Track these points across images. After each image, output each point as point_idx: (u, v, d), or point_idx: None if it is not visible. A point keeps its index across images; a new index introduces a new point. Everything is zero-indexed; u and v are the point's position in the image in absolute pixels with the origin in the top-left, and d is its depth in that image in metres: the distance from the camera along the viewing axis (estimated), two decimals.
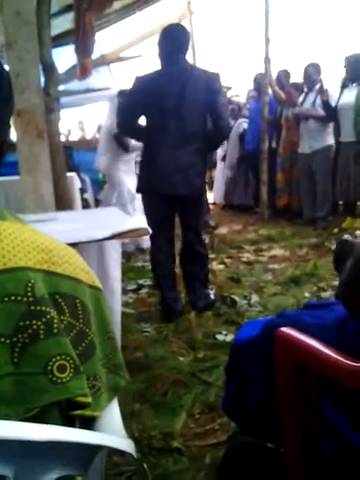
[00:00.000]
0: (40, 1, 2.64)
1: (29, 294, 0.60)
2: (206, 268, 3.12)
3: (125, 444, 0.60)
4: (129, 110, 2.88)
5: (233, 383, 1.35)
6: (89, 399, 0.66)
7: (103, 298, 0.77)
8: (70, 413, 0.66)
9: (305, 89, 5.33)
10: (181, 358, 2.36)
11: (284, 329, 0.99)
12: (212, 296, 3.10)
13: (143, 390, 2.08)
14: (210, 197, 6.80)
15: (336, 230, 4.90)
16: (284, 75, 5.95)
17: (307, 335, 0.96)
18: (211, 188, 7.59)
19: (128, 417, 1.86)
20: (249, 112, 6.60)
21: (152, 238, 2.92)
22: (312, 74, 5.11)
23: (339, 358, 0.84)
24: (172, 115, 2.73)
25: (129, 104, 2.91)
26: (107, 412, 0.76)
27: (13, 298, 0.59)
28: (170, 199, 2.88)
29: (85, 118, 9.63)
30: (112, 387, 0.77)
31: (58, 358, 0.61)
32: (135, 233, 1.57)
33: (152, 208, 2.91)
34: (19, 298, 0.60)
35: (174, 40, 2.75)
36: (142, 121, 2.94)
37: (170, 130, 2.75)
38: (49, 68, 2.49)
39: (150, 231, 1.62)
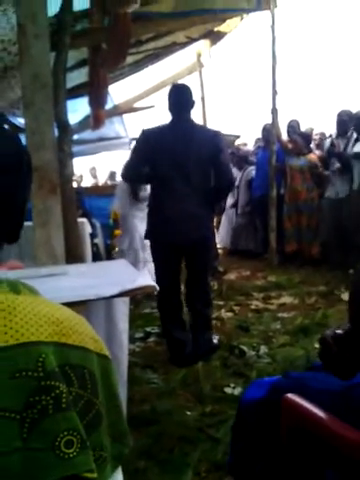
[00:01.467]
0: (56, 61, 2.80)
1: (40, 369, 0.62)
2: (210, 315, 3.18)
3: None
4: (133, 164, 3.03)
5: (239, 443, 1.34)
6: (95, 474, 0.66)
7: (111, 366, 0.78)
8: None
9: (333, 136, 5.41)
10: (188, 412, 2.33)
11: (290, 396, 1.00)
12: (215, 341, 3.14)
13: (149, 446, 2.04)
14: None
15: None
16: (296, 124, 6.14)
17: (313, 403, 0.96)
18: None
19: (133, 474, 1.83)
20: (256, 160, 6.74)
21: (160, 285, 2.94)
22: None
23: (345, 430, 0.84)
24: (179, 169, 2.87)
25: (134, 157, 3.04)
26: None
27: (24, 374, 0.61)
28: (178, 248, 2.96)
29: (97, 165, 9.86)
30: (116, 456, 0.77)
31: (66, 433, 0.62)
32: (143, 290, 1.60)
33: (160, 256, 3.03)
34: (30, 373, 0.61)
35: (179, 99, 2.95)
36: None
37: (177, 183, 2.87)
38: (63, 126, 2.60)
39: (157, 288, 1.65)
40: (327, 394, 1.06)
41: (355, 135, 5.06)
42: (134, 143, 3.17)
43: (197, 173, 2.90)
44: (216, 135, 3.02)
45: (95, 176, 9.66)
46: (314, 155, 5.78)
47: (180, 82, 5.42)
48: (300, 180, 5.74)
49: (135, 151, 3.06)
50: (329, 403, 1.00)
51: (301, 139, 5.83)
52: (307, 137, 5.99)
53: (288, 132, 6.05)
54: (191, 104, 3.00)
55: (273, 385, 1.22)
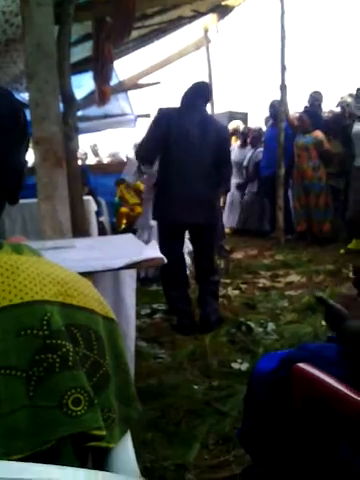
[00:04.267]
0: (60, 33, 2.74)
1: (45, 327, 0.61)
2: (217, 285, 3.33)
3: None
4: (149, 143, 3.05)
5: (250, 415, 1.33)
6: (104, 432, 0.65)
7: (117, 329, 0.77)
8: (85, 445, 0.66)
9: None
10: (195, 386, 2.33)
11: (301, 365, 0.98)
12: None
13: (156, 419, 2.04)
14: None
15: (342, 251, 5.05)
16: (319, 96, 6.00)
17: (325, 372, 0.94)
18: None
19: (140, 446, 1.83)
20: (264, 138, 6.64)
21: (165, 263, 3.06)
22: None
23: (356, 397, 0.82)
24: (191, 153, 2.96)
25: (150, 136, 3.06)
26: (120, 445, 0.75)
27: (29, 332, 0.60)
28: (184, 227, 3.12)
29: (100, 142, 9.76)
30: (124, 419, 0.76)
31: (73, 391, 0.61)
32: (151, 263, 1.58)
33: (167, 233, 3.13)
34: (35, 332, 0.61)
35: (199, 92, 3.09)
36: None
37: (188, 165, 2.96)
38: (68, 98, 2.55)
39: (165, 260, 1.63)
40: (341, 365, 1.04)
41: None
42: (150, 121, 3.17)
43: (207, 158, 3.02)
44: (225, 127, 3.36)
45: (97, 154, 9.56)
46: (319, 132, 5.66)
47: (185, 67, 5.42)
48: (306, 158, 5.65)
49: (151, 129, 3.08)
50: (342, 373, 0.98)
51: (307, 116, 5.72)
52: (314, 114, 5.86)
53: (310, 105, 5.91)
54: (207, 98, 3.17)
55: (284, 356, 1.21)
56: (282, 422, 1.11)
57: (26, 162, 0.78)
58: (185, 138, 2.96)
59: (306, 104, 6.01)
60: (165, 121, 2.99)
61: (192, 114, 3.01)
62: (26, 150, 0.78)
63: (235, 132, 7.34)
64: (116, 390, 0.74)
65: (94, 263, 1.51)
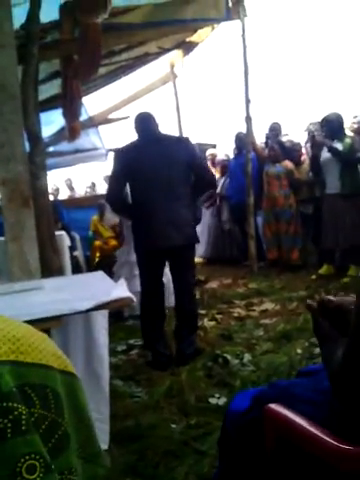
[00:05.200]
0: (25, 73, 2.75)
1: None
2: (196, 315, 3.30)
3: None
4: (115, 187, 3.04)
5: (225, 457, 1.30)
6: None
7: (77, 383, 0.74)
8: None
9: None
10: (173, 425, 2.27)
11: (272, 406, 0.96)
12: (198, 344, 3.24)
13: (134, 462, 1.98)
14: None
15: (313, 276, 5.14)
16: (278, 127, 6.20)
17: (296, 412, 0.92)
18: None
19: None
20: (229, 169, 6.78)
21: (145, 291, 3.03)
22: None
23: (328, 440, 0.81)
24: (159, 179, 2.93)
25: (114, 180, 3.07)
26: None
27: None
28: (163, 252, 3.06)
29: (73, 177, 9.78)
30: (90, 478, 0.73)
31: (27, 458, 0.58)
32: (119, 303, 1.56)
33: (145, 262, 3.11)
34: None
35: (147, 121, 3.08)
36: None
37: (159, 192, 2.93)
38: (34, 137, 2.55)
39: (134, 300, 1.61)
40: (311, 403, 1.02)
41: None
42: (112, 164, 3.15)
43: (177, 179, 2.98)
44: (185, 139, 3.20)
45: (72, 188, 9.56)
46: (289, 162, 5.83)
47: (153, 101, 5.53)
48: (277, 187, 5.78)
49: (114, 173, 3.09)
50: (313, 413, 0.97)
51: (278, 146, 5.88)
52: (282, 144, 6.04)
53: (269, 136, 6.09)
54: (157, 124, 3.12)
55: (256, 396, 1.19)
56: (256, 464, 1.09)
57: None
58: (149, 166, 2.94)
59: (266, 135, 6.19)
60: (123, 158, 3.00)
61: (149, 140, 3.01)
62: None
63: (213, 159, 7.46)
64: (79, 448, 0.71)
65: (62, 306, 1.47)
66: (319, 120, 5.21)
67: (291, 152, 5.92)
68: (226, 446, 1.25)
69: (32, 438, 0.59)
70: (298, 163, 5.87)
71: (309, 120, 5.94)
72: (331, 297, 0.97)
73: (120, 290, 1.59)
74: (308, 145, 5.72)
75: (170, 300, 3.44)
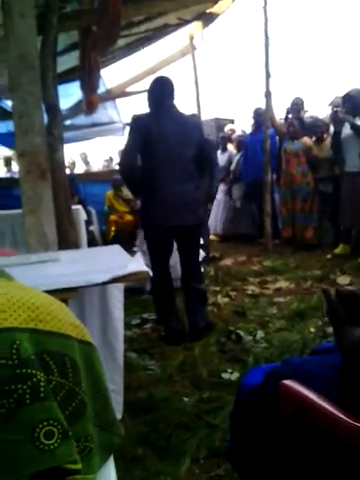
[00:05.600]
0: (44, 44, 2.72)
1: (14, 357, 0.58)
2: (204, 291, 3.32)
3: None
4: (130, 151, 2.99)
5: (237, 432, 1.31)
6: (79, 465, 0.63)
7: (95, 353, 0.74)
8: None
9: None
10: (185, 398, 2.31)
11: (287, 382, 0.96)
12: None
13: (146, 433, 2.02)
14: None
15: (329, 256, 5.08)
16: (300, 102, 6.03)
17: (310, 389, 0.93)
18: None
19: (130, 462, 1.80)
20: (244, 145, 6.67)
21: (155, 269, 3.05)
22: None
23: (342, 416, 0.81)
24: (172, 155, 2.92)
25: (129, 145, 3.00)
26: (101, 474, 0.73)
27: None
28: (172, 232, 3.06)
29: (89, 151, 9.75)
30: (105, 446, 0.74)
31: (45, 424, 0.59)
32: (135, 277, 1.56)
33: (156, 240, 3.09)
34: (4, 361, 0.58)
35: (165, 91, 3.02)
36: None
37: (169, 169, 2.92)
38: (52, 109, 2.53)
39: (150, 274, 1.61)
40: (326, 380, 1.02)
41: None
42: (128, 131, 3.10)
43: (187, 158, 2.98)
44: (199, 121, 3.28)
45: (87, 162, 9.54)
46: (308, 139, 5.72)
47: (172, 74, 5.39)
48: (295, 164, 5.70)
49: (128, 142, 3.03)
50: (327, 390, 0.97)
51: (297, 122, 5.77)
52: (302, 120, 5.91)
53: (289, 111, 5.96)
54: (173, 94, 3.07)
55: (270, 372, 1.19)
56: (269, 439, 1.10)
57: None
58: (163, 141, 2.90)
59: (287, 110, 6.05)
60: (138, 127, 2.94)
61: (165, 116, 2.96)
62: None
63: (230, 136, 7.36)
64: (95, 417, 0.72)
65: (78, 278, 1.48)
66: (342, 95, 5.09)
67: (312, 128, 5.80)
68: (238, 420, 1.26)
69: (50, 404, 0.60)
70: (320, 140, 5.73)
71: (333, 95, 5.77)
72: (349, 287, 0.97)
73: (136, 264, 1.59)
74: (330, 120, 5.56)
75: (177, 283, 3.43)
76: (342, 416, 0.83)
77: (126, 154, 3.04)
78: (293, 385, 0.96)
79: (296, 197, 5.74)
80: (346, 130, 4.88)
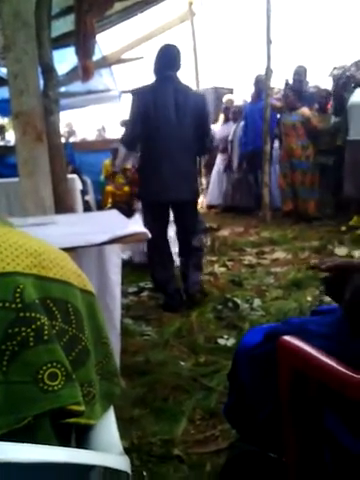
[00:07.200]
0: (39, 2, 2.62)
1: (18, 300, 0.58)
2: (200, 256, 3.34)
3: (120, 462, 0.57)
4: (133, 125, 2.99)
5: (235, 390, 1.33)
6: (82, 407, 0.63)
7: (96, 302, 0.75)
8: (64, 421, 0.64)
9: None
10: (182, 363, 2.33)
11: (287, 338, 0.96)
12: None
13: (143, 395, 2.05)
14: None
15: (344, 228, 4.97)
16: (303, 71, 5.87)
17: (310, 344, 0.93)
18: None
19: (127, 423, 1.83)
20: (244, 114, 6.56)
21: (151, 240, 3.02)
22: None
23: (340, 369, 0.81)
24: (171, 128, 2.94)
25: (132, 119, 3.00)
26: (103, 421, 0.73)
27: (1, 304, 0.57)
28: (169, 204, 3.12)
29: (81, 119, 9.53)
30: (106, 395, 0.74)
31: (49, 366, 0.59)
32: (134, 238, 1.55)
33: (152, 211, 3.10)
34: (7, 304, 0.58)
35: (169, 61, 2.98)
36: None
37: (169, 142, 2.94)
38: (48, 70, 2.46)
39: (149, 235, 1.60)
40: (325, 338, 1.03)
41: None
42: (130, 103, 3.07)
43: (187, 132, 2.99)
44: (203, 96, 3.24)
45: (72, 132, 9.31)
46: (306, 109, 5.59)
47: (169, 41, 5.25)
48: (294, 137, 5.59)
49: (131, 116, 3.02)
50: (326, 346, 0.97)
51: (292, 93, 5.63)
52: (299, 90, 5.77)
53: (287, 83, 5.83)
54: (178, 65, 3.04)
55: (269, 331, 1.20)
56: (267, 396, 1.11)
57: None
58: (163, 115, 2.92)
59: (289, 79, 5.92)
60: (141, 102, 2.94)
61: (167, 88, 2.95)
62: None
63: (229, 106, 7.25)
64: (97, 364, 0.72)
65: (76, 238, 1.47)
66: (344, 65, 5.00)
67: (314, 98, 5.69)
68: (236, 379, 1.27)
69: (54, 347, 0.60)
70: (324, 110, 5.63)
71: (334, 64, 5.65)
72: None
73: (135, 225, 1.58)
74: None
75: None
76: (341, 369, 0.83)
77: (129, 131, 3.05)
78: (292, 341, 0.96)
79: (295, 170, 5.67)
80: (353, 98, 4.79)
